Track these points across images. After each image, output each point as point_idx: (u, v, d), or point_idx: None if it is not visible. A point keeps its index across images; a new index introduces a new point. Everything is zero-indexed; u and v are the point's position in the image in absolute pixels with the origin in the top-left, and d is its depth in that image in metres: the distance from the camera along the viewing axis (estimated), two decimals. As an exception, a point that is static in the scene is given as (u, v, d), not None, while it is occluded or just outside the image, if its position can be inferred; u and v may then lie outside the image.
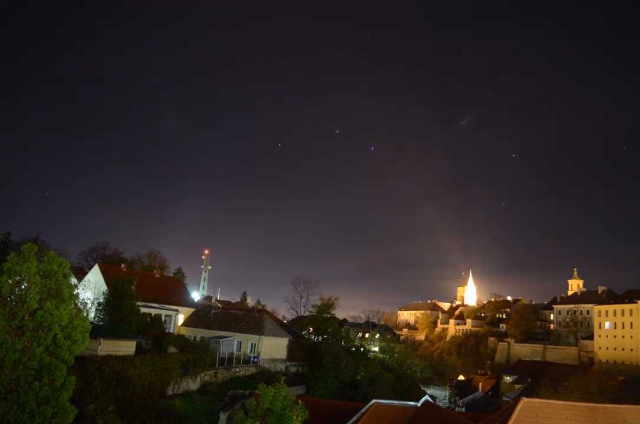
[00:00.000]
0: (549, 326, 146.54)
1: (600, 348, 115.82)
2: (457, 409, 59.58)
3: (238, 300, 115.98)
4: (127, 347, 44.70)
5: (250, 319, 62.92)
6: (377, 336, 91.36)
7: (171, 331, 64.18)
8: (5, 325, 21.24)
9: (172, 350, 49.05)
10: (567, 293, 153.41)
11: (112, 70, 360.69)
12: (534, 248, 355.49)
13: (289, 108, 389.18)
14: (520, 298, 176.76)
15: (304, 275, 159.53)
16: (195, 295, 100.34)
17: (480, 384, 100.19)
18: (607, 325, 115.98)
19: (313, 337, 76.92)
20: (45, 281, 22.69)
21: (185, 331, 64.63)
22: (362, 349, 71.84)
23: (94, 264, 71.98)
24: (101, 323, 53.58)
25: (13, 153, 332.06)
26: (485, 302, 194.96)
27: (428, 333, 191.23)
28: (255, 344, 58.62)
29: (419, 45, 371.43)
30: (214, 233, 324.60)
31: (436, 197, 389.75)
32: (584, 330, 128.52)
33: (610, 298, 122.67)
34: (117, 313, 54.93)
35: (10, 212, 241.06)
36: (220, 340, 57.67)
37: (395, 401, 33.71)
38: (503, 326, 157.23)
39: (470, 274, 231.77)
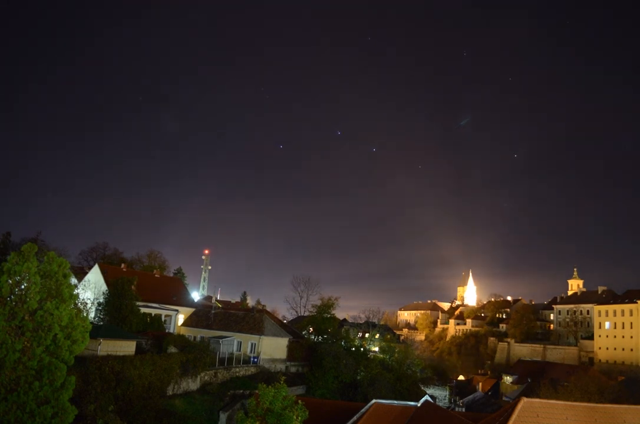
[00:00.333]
0: (549, 326, 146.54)
1: (600, 348, 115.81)
2: (457, 409, 59.62)
3: (238, 300, 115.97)
4: (127, 347, 44.70)
5: (250, 319, 62.92)
6: (377, 336, 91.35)
7: (171, 331, 64.18)
8: (5, 325, 21.23)
9: (172, 349, 49.05)
10: (567, 293, 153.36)
11: (112, 70, 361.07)
12: (534, 248, 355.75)
13: (289, 109, 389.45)
14: (520, 298, 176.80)
15: (304, 275, 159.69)
16: (195, 295, 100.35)
17: (480, 384, 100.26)
18: (607, 325, 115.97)
19: (313, 337, 76.92)
20: (45, 281, 22.69)
21: (185, 331, 64.63)
22: (362, 349, 71.83)
23: (94, 264, 71.99)
24: (101, 323, 53.57)
25: (13, 153, 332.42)
26: (485, 302, 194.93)
27: (428, 333, 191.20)
28: (255, 344, 58.62)
29: (419, 45, 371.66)
30: (214, 233, 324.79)
31: (437, 197, 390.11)
32: (584, 330, 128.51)
33: (610, 298, 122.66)
34: (117, 313, 54.93)
35: (10, 212, 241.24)
36: (220, 340, 57.66)
37: (395, 401, 33.70)
38: (503, 326, 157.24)
39: (470, 274, 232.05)
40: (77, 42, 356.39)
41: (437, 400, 72.45)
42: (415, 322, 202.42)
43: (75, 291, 25.69)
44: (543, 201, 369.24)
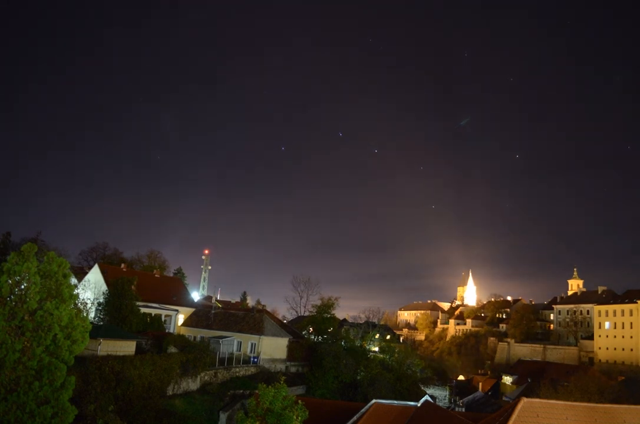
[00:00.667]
0: (549, 326, 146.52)
1: (600, 348, 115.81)
2: (457, 409, 59.47)
3: (238, 300, 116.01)
4: (127, 347, 44.70)
5: (250, 319, 62.93)
6: (377, 336, 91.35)
7: (171, 331, 64.18)
8: (5, 325, 21.24)
9: (172, 349, 49.05)
10: (567, 293, 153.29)
11: (113, 70, 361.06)
12: (534, 248, 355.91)
13: (289, 110, 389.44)
14: (520, 298, 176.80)
15: (304, 275, 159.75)
16: (195, 295, 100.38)
17: (480, 384, 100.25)
18: (607, 325, 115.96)
19: (313, 337, 76.93)
20: (45, 281, 22.69)
21: (185, 331, 64.64)
22: (362, 349, 71.83)
23: (94, 264, 71.98)
24: (101, 323, 53.58)
25: (13, 153, 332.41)
26: (485, 302, 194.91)
27: (428, 333, 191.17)
28: (255, 344, 58.63)
29: (420, 45, 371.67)
30: (214, 233, 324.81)
31: (437, 197, 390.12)
32: (584, 330, 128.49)
33: (610, 298, 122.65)
34: (117, 313, 54.93)
35: (10, 212, 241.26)
36: (220, 340, 57.67)
37: (395, 401, 33.72)
38: (503, 326, 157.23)
39: (470, 274, 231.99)
40: (77, 42, 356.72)
41: (437, 400, 72.45)
42: (415, 322, 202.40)
43: (75, 291, 25.70)
44: (543, 201, 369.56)
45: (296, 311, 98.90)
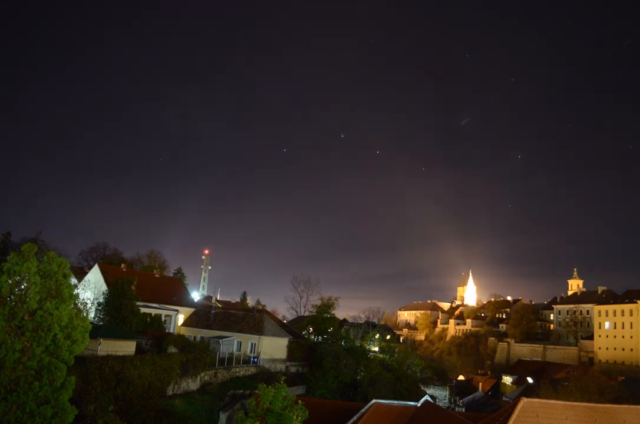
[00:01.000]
0: (549, 326, 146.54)
1: (600, 348, 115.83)
2: (457, 409, 59.45)
3: (238, 300, 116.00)
4: (127, 347, 44.69)
5: (250, 319, 62.92)
6: (377, 336, 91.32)
7: (171, 331, 64.17)
8: (5, 325, 21.23)
9: (172, 349, 49.04)
10: (567, 293, 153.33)
11: (113, 70, 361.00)
12: (534, 248, 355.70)
13: (290, 110, 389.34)
14: (520, 298, 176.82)
15: (304, 275, 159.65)
16: (195, 295, 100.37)
17: (480, 384, 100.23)
18: (607, 325, 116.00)
19: (313, 337, 76.92)
20: (45, 281, 22.69)
21: (185, 331, 64.63)
22: (362, 349, 71.81)
23: (94, 264, 71.97)
24: (101, 323, 53.55)
25: (13, 153, 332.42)
26: (485, 302, 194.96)
27: (428, 333, 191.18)
28: (255, 344, 58.63)
29: (420, 45, 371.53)
30: (214, 233, 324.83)
31: (437, 198, 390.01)
32: (584, 330, 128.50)
33: (610, 298, 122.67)
34: (117, 313, 54.91)
35: (10, 212, 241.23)
36: (220, 340, 57.66)
37: (395, 401, 33.70)
38: (503, 326, 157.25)
39: (470, 274, 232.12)
40: (77, 42, 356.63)
41: (437, 400, 72.39)
42: (415, 322, 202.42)
43: (75, 291, 25.69)
44: (543, 201, 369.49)
45: (296, 311, 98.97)
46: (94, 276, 64.78)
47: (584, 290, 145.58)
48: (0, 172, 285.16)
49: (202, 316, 68.99)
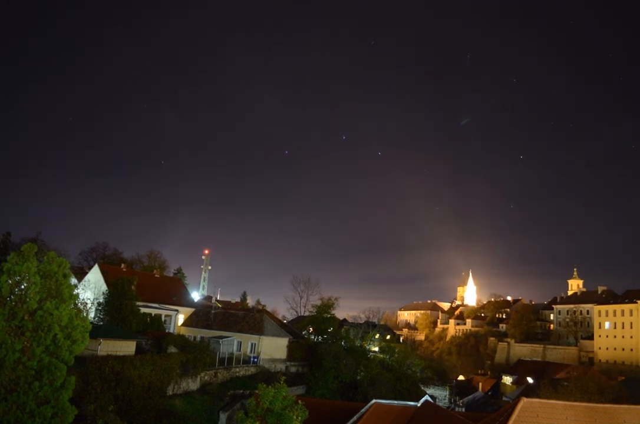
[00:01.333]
0: (549, 326, 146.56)
1: (600, 348, 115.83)
2: (457, 409, 59.43)
3: (238, 300, 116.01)
4: (127, 347, 44.69)
5: (250, 319, 62.92)
6: (377, 336, 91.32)
7: (171, 331, 64.18)
8: (5, 325, 21.23)
9: (172, 349, 49.04)
10: (567, 293, 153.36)
11: (113, 70, 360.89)
12: (534, 248, 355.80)
13: (290, 110, 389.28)
14: (520, 298, 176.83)
15: (304, 275, 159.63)
16: (195, 295, 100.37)
17: (480, 384, 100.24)
18: (607, 325, 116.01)
19: (313, 337, 76.92)
20: (45, 281, 22.69)
21: (185, 331, 64.64)
22: (362, 349, 71.81)
23: (94, 264, 71.98)
24: (101, 323, 53.56)
25: (13, 153, 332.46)
26: (485, 302, 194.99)
27: (428, 333, 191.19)
28: (255, 344, 58.63)
29: (421, 46, 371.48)
30: (214, 233, 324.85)
31: (437, 198, 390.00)
32: (584, 330, 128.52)
33: (610, 298, 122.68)
34: (117, 313, 54.91)
35: (10, 212, 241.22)
36: (220, 340, 57.67)
37: (395, 401, 33.70)
38: (503, 326, 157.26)
39: (470, 274, 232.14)
40: (77, 42, 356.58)
41: (437, 400, 72.38)
42: (415, 322, 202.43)
43: (75, 291, 25.70)
44: (543, 201, 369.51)
45: (296, 311, 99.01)
46: (94, 276, 64.79)
47: (584, 290, 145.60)
48: (0, 172, 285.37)
49: (202, 316, 69.00)
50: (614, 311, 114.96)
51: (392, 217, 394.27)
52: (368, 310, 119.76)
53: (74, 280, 54.19)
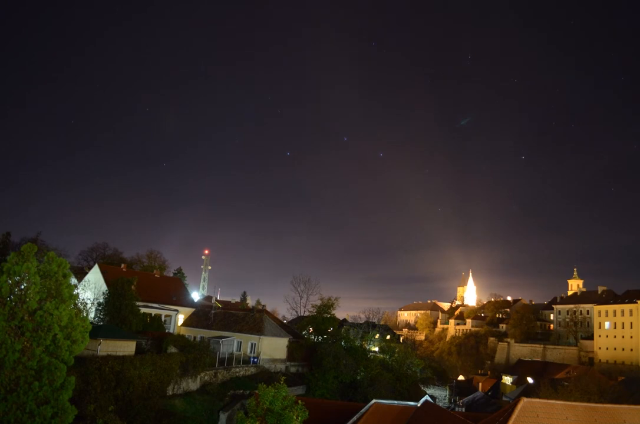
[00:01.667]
0: (549, 326, 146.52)
1: (600, 348, 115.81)
2: (457, 409, 59.38)
3: (238, 300, 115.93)
4: (127, 347, 44.64)
5: (250, 319, 62.90)
6: (377, 336, 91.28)
7: (171, 331, 64.16)
8: (5, 325, 21.23)
9: (172, 350, 49.02)
10: (567, 293, 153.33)
11: (113, 71, 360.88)
12: (534, 248, 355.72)
13: (291, 111, 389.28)
14: (520, 298, 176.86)
15: (304, 275, 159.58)
16: (195, 295, 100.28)
17: (480, 384, 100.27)
18: (607, 325, 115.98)
19: (313, 337, 76.85)
20: (45, 281, 22.69)
21: (185, 331, 64.62)
22: (362, 349, 71.79)
23: (94, 264, 71.94)
24: (101, 323, 53.54)
25: (13, 153, 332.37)
26: (485, 302, 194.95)
27: (428, 333, 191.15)
28: (255, 344, 58.61)
29: (421, 46, 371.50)
30: (214, 233, 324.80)
31: (437, 198, 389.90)
32: (584, 330, 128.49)
33: (610, 298, 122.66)
34: (117, 313, 54.87)
35: (10, 212, 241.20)
36: (220, 340, 57.65)
37: (395, 401, 33.71)
38: (503, 326, 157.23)
39: (470, 274, 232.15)
40: (77, 42, 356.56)
41: (437, 400, 72.43)
42: (415, 322, 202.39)
43: (75, 291, 25.71)
44: (543, 201, 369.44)
45: (296, 311, 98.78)
46: (94, 276, 64.77)
47: (584, 290, 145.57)
48: (0, 172, 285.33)
49: (202, 316, 68.98)
50: (614, 311, 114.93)
51: (392, 217, 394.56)
52: (368, 310, 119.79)
53: (73, 280, 54.20)
